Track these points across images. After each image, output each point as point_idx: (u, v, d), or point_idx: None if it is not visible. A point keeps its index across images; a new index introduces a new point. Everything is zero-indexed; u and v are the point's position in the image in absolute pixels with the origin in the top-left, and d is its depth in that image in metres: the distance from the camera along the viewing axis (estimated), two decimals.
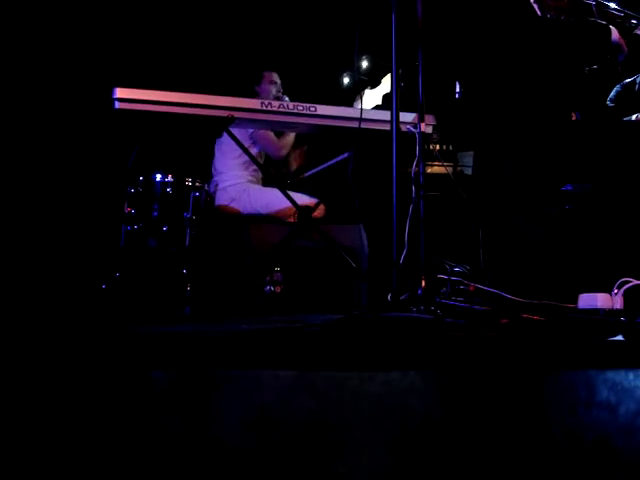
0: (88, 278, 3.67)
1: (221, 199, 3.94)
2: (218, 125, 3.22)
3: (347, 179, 3.17)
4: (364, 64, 4.46)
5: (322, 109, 3.27)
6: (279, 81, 4.26)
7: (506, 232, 2.84)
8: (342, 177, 3.35)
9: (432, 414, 1.06)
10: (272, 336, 2.08)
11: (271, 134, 4.02)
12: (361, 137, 3.27)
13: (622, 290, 2.26)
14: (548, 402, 1.19)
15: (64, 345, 1.80)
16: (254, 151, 4.00)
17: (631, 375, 1.35)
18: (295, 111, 3.24)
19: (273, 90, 4.20)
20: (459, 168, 3.57)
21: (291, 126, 3.48)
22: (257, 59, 4.34)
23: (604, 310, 2.24)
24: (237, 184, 3.98)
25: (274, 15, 5.03)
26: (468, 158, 3.52)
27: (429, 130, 3.31)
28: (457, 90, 3.58)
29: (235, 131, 3.91)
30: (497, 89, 2.89)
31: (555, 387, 1.34)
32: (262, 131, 3.92)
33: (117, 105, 3.02)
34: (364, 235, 3.64)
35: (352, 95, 4.31)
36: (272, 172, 4.12)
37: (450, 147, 3.59)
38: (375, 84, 4.16)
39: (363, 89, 4.21)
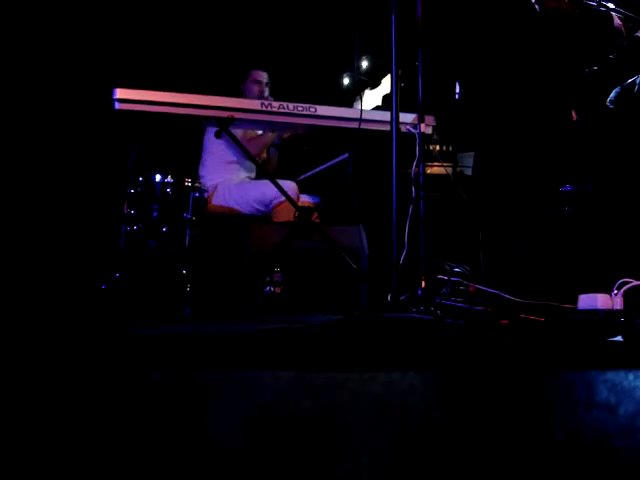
0: (88, 279, 3.67)
1: (214, 198, 3.94)
2: (218, 125, 3.22)
3: (347, 180, 3.17)
4: (364, 64, 4.46)
5: (322, 110, 3.27)
6: (266, 80, 4.18)
7: (506, 232, 2.84)
8: (342, 178, 3.35)
9: (432, 415, 1.06)
10: (272, 337, 2.08)
11: (245, 137, 3.98)
12: (361, 138, 3.27)
13: (622, 291, 2.26)
14: (548, 403, 1.19)
15: (64, 346, 1.80)
16: (228, 152, 4.02)
17: (631, 376, 1.35)
18: (295, 112, 3.24)
19: (256, 90, 4.13)
20: (459, 169, 3.57)
21: (291, 127, 3.48)
22: (257, 60, 4.33)
23: (604, 311, 2.24)
24: (223, 181, 3.98)
25: (275, 16, 5.03)
26: (468, 159, 3.52)
27: (429, 131, 3.31)
28: (457, 91, 3.59)
29: (209, 133, 3.95)
30: (497, 90, 2.89)
31: (555, 388, 1.34)
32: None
33: (117, 106, 3.02)
34: (364, 236, 3.64)
35: (352, 96, 4.31)
36: (270, 172, 4.11)
37: (450, 148, 3.60)
38: (375, 85, 4.16)
39: (363, 90, 4.21)
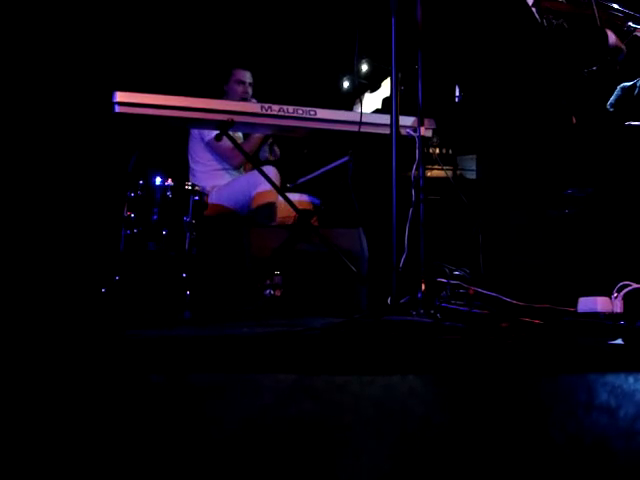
0: (88, 282, 3.67)
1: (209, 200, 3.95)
2: (218, 128, 3.22)
3: (347, 183, 3.17)
4: (364, 68, 4.47)
5: (322, 113, 3.27)
6: (249, 80, 4.13)
7: (506, 235, 2.84)
8: (342, 181, 3.36)
9: (432, 418, 1.06)
10: (272, 340, 2.08)
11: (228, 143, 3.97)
12: (361, 141, 3.27)
13: (622, 294, 2.25)
14: (548, 405, 1.19)
15: (63, 349, 1.80)
16: (215, 160, 4.03)
17: (631, 379, 1.34)
18: (295, 115, 3.24)
19: (240, 90, 4.09)
20: (459, 172, 3.57)
21: (291, 130, 3.48)
22: (257, 62, 4.33)
23: (604, 314, 2.24)
24: (214, 186, 3.99)
25: (275, 19, 5.03)
26: (468, 162, 3.52)
27: (429, 134, 3.31)
28: (457, 94, 3.59)
29: (193, 136, 3.96)
30: (497, 93, 2.89)
31: (555, 390, 1.34)
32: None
33: (117, 109, 3.02)
34: (364, 239, 3.64)
35: (352, 99, 4.31)
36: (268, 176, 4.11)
37: (450, 151, 3.60)
38: (375, 88, 4.17)
39: (363, 93, 4.22)
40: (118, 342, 2.07)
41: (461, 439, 0.93)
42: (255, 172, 3.66)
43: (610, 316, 2.23)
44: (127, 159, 3.84)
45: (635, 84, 3.54)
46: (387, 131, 2.63)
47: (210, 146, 3.98)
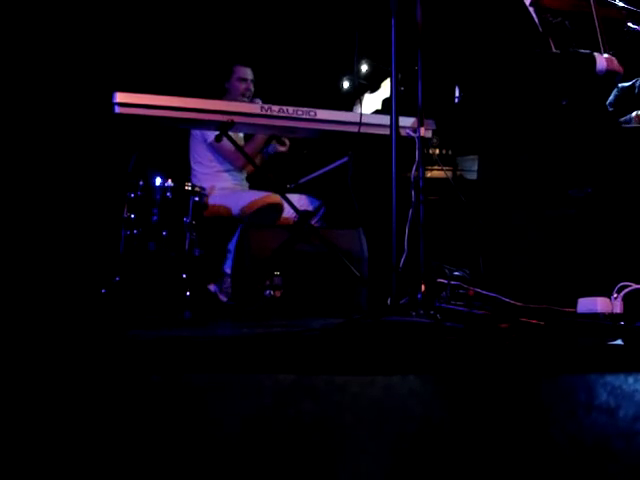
0: (88, 282, 3.67)
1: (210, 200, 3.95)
2: (218, 129, 3.22)
3: (347, 183, 3.17)
4: (364, 68, 4.47)
5: (322, 114, 3.27)
6: (250, 77, 4.12)
7: (506, 236, 2.84)
8: (342, 181, 3.36)
9: (432, 418, 1.06)
10: (272, 340, 2.08)
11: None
12: (361, 141, 3.28)
13: (621, 294, 2.26)
14: (548, 406, 1.19)
15: (63, 350, 1.80)
16: (217, 161, 4.03)
17: (631, 379, 1.35)
18: (295, 115, 3.24)
19: (242, 87, 4.08)
20: (459, 172, 3.57)
21: (291, 131, 3.48)
22: (257, 63, 4.33)
23: (603, 314, 2.24)
24: (215, 188, 3.99)
25: (275, 20, 5.04)
26: (468, 162, 3.52)
27: (429, 134, 3.31)
28: (457, 94, 3.59)
29: (195, 137, 3.95)
30: (497, 93, 2.89)
31: (554, 391, 1.34)
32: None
33: (117, 109, 3.02)
34: (364, 239, 3.64)
35: (352, 99, 4.31)
36: (270, 176, 4.12)
37: (450, 151, 3.60)
38: (375, 88, 4.17)
39: (363, 93, 4.22)
40: (119, 343, 2.07)
41: (461, 440, 0.93)
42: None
43: (610, 316, 2.23)
44: (127, 160, 3.84)
45: (634, 84, 3.55)
46: (387, 132, 2.63)
47: (213, 147, 3.97)
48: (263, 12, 5.00)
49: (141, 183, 3.37)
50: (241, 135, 4.14)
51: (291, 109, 3.25)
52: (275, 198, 3.76)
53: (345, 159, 3.61)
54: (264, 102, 3.36)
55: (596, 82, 2.78)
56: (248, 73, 4.13)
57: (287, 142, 4.20)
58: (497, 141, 2.88)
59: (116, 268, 3.25)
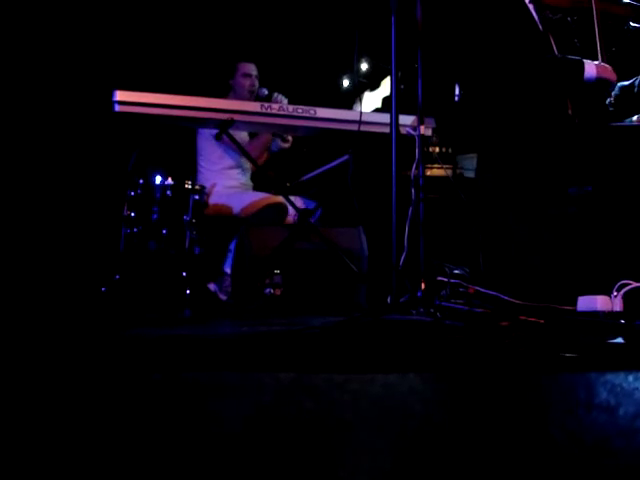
0: (88, 281, 3.67)
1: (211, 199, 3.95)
2: (218, 128, 3.23)
3: (347, 182, 3.17)
4: (364, 67, 4.47)
5: (322, 112, 3.27)
6: (255, 73, 4.11)
7: (506, 234, 2.84)
8: (342, 180, 3.36)
9: (432, 416, 1.06)
10: (272, 339, 2.08)
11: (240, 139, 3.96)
12: (361, 140, 3.28)
13: (621, 292, 2.25)
14: (547, 404, 1.19)
15: (64, 348, 1.80)
16: (226, 158, 4.02)
17: (631, 377, 1.35)
18: (295, 114, 3.24)
19: (247, 83, 4.06)
20: (459, 171, 3.58)
21: (291, 129, 3.49)
22: (257, 61, 4.33)
23: (603, 312, 2.24)
24: (221, 187, 3.98)
25: (275, 18, 5.03)
26: (467, 160, 3.53)
27: (429, 133, 3.32)
28: (457, 93, 3.59)
29: (203, 134, 3.95)
30: (497, 91, 2.89)
31: (554, 389, 1.35)
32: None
33: (117, 108, 3.02)
34: (364, 237, 3.64)
35: (352, 98, 4.31)
36: (270, 175, 4.12)
37: (450, 150, 3.60)
38: (375, 87, 4.17)
39: (363, 92, 4.22)
40: (119, 341, 2.07)
41: (461, 437, 0.93)
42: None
43: (610, 315, 2.23)
44: (127, 158, 3.84)
45: (633, 83, 3.54)
46: (387, 130, 2.63)
47: (224, 142, 3.95)
48: (263, 11, 5.00)
49: (141, 181, 3.37)
50: (245, 134, 4.13)
51: (291, 107, 3.25)
52: (276, 199, 3.75)
53: (345, 157, 3.61)
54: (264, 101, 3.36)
55: (586, 90, 2.77)
56: (252, 69, 4.12)
57: (290, 139, 4.19)
58: (497, 139, 2.88)
59: (116, 266, 3.25)
